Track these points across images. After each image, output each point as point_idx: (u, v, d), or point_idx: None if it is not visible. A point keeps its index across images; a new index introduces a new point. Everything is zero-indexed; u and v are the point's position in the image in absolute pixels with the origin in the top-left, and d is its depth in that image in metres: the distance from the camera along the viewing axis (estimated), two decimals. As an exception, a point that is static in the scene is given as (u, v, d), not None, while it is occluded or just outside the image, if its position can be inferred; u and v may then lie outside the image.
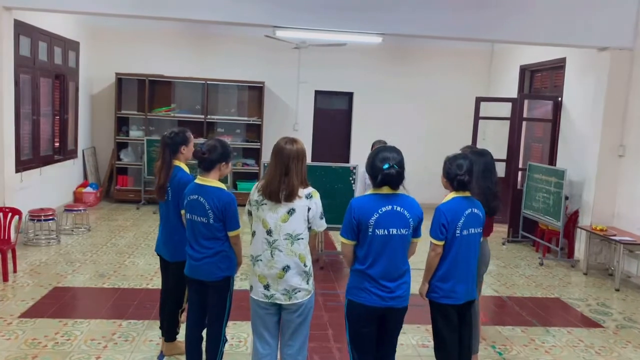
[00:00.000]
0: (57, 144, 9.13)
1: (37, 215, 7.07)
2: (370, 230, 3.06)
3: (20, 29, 7.38)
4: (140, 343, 4.34)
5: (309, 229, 3.14)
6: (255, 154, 10.55)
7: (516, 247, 8.37)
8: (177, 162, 3.97)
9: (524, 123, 9.13)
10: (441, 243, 3.36)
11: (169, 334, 4.12)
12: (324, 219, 3.22)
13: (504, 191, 9.07)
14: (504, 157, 9.92)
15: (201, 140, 4.23)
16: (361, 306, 3.13)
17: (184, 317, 3.97)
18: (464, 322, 3.54)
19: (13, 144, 7.24)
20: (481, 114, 9.48)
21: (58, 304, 5.09)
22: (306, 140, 11.06)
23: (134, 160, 10.43)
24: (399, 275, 3.12)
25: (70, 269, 6.14)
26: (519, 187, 8.86)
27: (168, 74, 10.34)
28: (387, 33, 7.18)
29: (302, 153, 3.17)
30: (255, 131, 10.62)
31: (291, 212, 3.08)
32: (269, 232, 3.11)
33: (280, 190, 3.07)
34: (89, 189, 9.85)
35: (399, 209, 3.09)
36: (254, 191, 3.19)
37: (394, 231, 3.07)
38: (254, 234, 3.19)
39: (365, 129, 11.08)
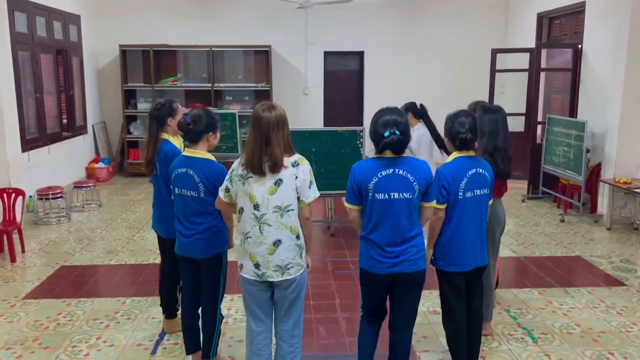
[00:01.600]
0: (64, 121, 9.06)
1: (45, 194, 7.03)
2: (370, 194, 2.91)
3: (14, 4, 7.21)
4: (142, 321, 4.26)
5: (298, 199, 2.93)
6: (266, 120, 10.31)
7: (536, 204, 8.07)
8: (165, 135, 3.80)
9: (543, 74, 8.70)
10: (443, 206, 3.15)
11: (169, 311, 4.03)
12: (314, 188, 2.97)
13: (523, 146, 8.76)
14: (523, 110, 9.57)
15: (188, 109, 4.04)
16: (369, 274, 3.02)
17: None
18: (474, 290, 3.34)
19: (17, 123, 7.17)
20: (498, 67, 9.08)
21: (63, 283, 5.05)
22: (317, 104, 10.85)
23: (144, 133, 10.20)
24: (403, 240, 2.93)
25: (78, 247, 6.10)
26: (538, 141, 8.49)
27: (172, 43, 10.10)
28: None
29: (282, 119, 2.93)
30: (264, 97, 10.32)
31: (278, 182, 2.88)
32: (256, 207, 2.91)
33: (262, 162, 2.86)
34: (101, 164, 9.81)
35: (401, 172, 2.90)
36: (237, 166, 2.96)
37: (396, 195, 2.89)
38: (241, 210, 2.97)
39: (378, 89, 10.75)
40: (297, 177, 2.89)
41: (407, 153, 2.98)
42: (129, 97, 10.26)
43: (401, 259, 2.94)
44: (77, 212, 7.65)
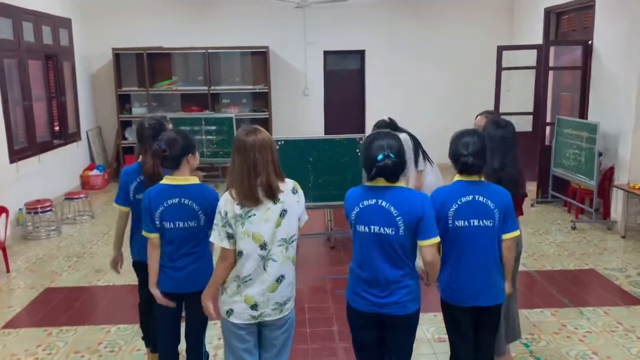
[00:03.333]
0: (56, 128, 8.79)
1: (33, 208, 6.76)
2: (353, 225, 2.67)
3: (-2, 10, 6.92)
4: (126, 354, 3.99)
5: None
6: (264, 124, 9.99)
7: (546, 208, 7.74)
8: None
9: (551, 72, 8.33)
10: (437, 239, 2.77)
11: (154, 344, 3.74)
12: (304, 210, 2.77)
13: (531, 147, 8.41)
14: (531, 110, 9.22)
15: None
16: (353, 310, 2.76)
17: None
18: (482, 331, 3.01)
19: (4, 133, 6.90)
20: (504, 64, 8.71)
21: (46, 309, 4.78)
22: (318, 105, 10.53)
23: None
24: (388, 282, 2.63)
25: (66, 265, 5.83)
26: (547, 143, 8.14)
27: (166, 45, 9.80)
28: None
29: (269, 141, 2.64)
30: (263, 100, 10.05)
31: (283, 214, 2.62)
32: (264, 246, 2.61)
33: (255, 188, 2.57)
34: (95, 172, 9.54)
35: (384, 203, 2.60)
36: (229, 204, 2.60)
37: (376, 229, 2.60)
38: (240, 254, 2.64)
39: (380, 88, 10.44)
40: (298, 204, 2.69)
41: None
42: (124, 101, 9.99)
43: (388, 300, 2.65)
44: (68, 224, 7.39)
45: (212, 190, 3.00)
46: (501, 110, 8.91)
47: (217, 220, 2.64)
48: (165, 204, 2.94)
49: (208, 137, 9.17)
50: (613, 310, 4.53)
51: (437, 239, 2.66)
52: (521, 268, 5.45)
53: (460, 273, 2.87)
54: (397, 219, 2.57)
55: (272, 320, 2.70)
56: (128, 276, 5.41)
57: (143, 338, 3.81)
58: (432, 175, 5.81)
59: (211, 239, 2.68)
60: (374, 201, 2.61)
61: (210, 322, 3.16)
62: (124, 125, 10.03)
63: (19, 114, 7.49)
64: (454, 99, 10.35)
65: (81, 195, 7.65)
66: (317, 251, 6.08)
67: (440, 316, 4.21)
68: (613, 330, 4.21)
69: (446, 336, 3.14)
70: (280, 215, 2.61)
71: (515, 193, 3.37)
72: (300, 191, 2.74)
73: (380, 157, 2.55)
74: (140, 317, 3.81)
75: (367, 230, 2.62)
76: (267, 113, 9.87)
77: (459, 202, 2.83)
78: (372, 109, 10.53)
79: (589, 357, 3.82)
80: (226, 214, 2.60)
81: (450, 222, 2.83)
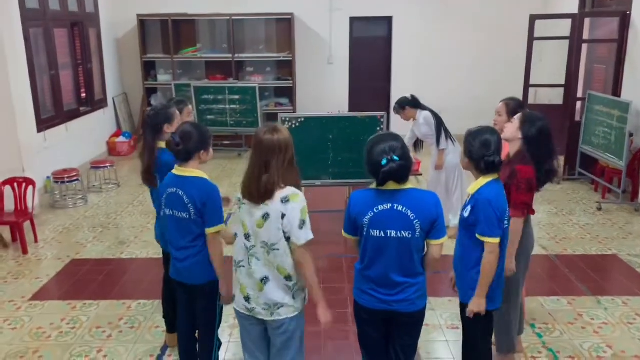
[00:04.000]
0: (83, 95, 8.89)
1: (60, 177, 6.91)
2: (365, 229, 2.63)
3: (23, -21, 6.93)
4: (145, 331, 4.11)
5: (288, 239, 2.63)
6: (289, 92, 9.94)
7: (572, 186, 7.58)
8: (162, 144, 3.52)
9: (585, 44, 8.01)
10: (498, 240, 2.77)
11: (170, 325, 3.85)
12: (306, 229, 2.60)
13: (561, 121, 8.19)
14: (562, 82, 8.93)
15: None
16: (362, 308, 2.78)
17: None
18: None
19: (31, 104, 7.01)
20: (536, 34, 8.40)
21: (71, 281, 4.95)
22: (343, 73, 10.36)
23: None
24: (400, 281, 2.65)
25: (91, 236, 6.00)
26: (577, 118, 7.90)
27: (191, 12, 9.71)
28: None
29: (285, 143, 2.62)
30: (287, 68, 9.95)
31: (265, 217, 2.60)
32: (247, 236, 2.69)
33: (259, 188, 2.59)
34: (121, 139, 9.67)
35: (400, 207, 2.57)
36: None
37: (393, 233, 2.59)
38: (236, 235, 2.76)
39: (408, 57, 10.22)
40: (284, 216, 2.57)
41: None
42: (149, 68, 10.02)
43: (397, 298, 2.67)
44: (95, 192, 7.55)
45: (210, 187, 2.95)
46: (532, 81, 8.68)
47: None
48: (167, 192, 3.02)
49: (231, 106, 9.16)
50: (632, 301, 4.46)
51: (446, 238, 2.68)
52: (542, 252, 5.44)
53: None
54: (415, 222, 2.56)
55: (267, 320, 2.74)
56: (150, 249, 5.59)
57: (163, 317, 3.92)
58: (453, 155, 5.74)
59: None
60: (389, 205, 2.58)
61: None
62: (150, 92, 10.08)
63: (46, 83, 7.59)
64: (484, 69, 10.08)
65: (107, 164, 7.78)
66: (336, 228, 6.08)
67: (455, 301, 4.23)
68: (631, 322, 4.15)
69: (459, 323, 3.15)
70: (262, 217, 2.60)
71: (551, 177, 3.31)
72: (294, 204, 2.58)
73: (384, 162, 2.51)
74: (162, 302, 3.90)
75: (383, 235, 2.59)
76: (292, 81, 9.79)
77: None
78: (398, 78, 10.35)
79: (602, 351, 3.79)
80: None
81: (506, 223, 2.82)
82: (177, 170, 3.02)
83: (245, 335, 2.86)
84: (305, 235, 2.60)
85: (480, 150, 2.80)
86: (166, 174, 3.30)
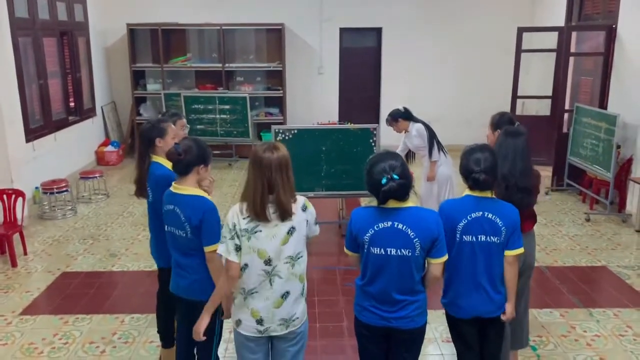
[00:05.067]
0: (72, 104, 8.82)
1: (49, 189, 6.84)
2: (366, 247, 2.65)
3: (13, -11, 6.87)
4: (140, 346, 4.08)
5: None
6: (279, 101, 9.95)
7: (561, 197, 7.67)
8: (155, 158, 3.52)
9: (572, 57, 8.14)
10: (442, 260, 2.76)
11: (165, 340, 3.83)
12: (317, 224, 2.79)
13: (549, 132, 8.31)
14: (549, 92, 9.08)
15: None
16: (363, 324, 2.79)
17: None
18: (486, 340, 3.06)
19: (19, 113, 6.93)
20: (524, 47, 8.53)
21: (62, 295, 4.89)
22: (333, 83, 10.43)
23: (154, 115, 10.02)
24: (401, 299, 2.67)
25: (81, 248, 5.94)
26: (565, 130, 8.01)
27: (181, 21, 9.70)
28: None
29: (285, 161, 2.63)
30: (277, 77, 9.97)
31: (291, 231, 2.62)
32: (268, 262, 2.63)
33: (266, 207, 2.58)
34: (110, 148, 9.61)
35: (400, 226, 2.59)
36: (236, 217, 2.62)
37: (393, 251, 2.60)
38: (244, 267, 2.66)
39: (397, 67, 10.29)
40: (307, 222, 2.69)
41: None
42: (138, 77, 9.98)
43: (397, 315, 2.69)
44: (84, 203, 7.49)
45: (206, 205, 2.91)
46: (520, 93, 8.80)
47: (225, 232, 2.65)
48: (165, 208, 3.02)
49: (222, 115, 9.15)
50: (623, 313, 4.52)
51: (446, 257, 2.71)
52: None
53: (458, 285, 2.90)
54: (414, 240, 2.58)
55: (280, 335, 2.74)
56: (142, 261, 5.55)
57: (158, 332, 3.89)
58: (444, 166, 5.79)
59: (219, 251, 2.68)
60: (389, 223, 2.59)
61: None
62: (139, 101, 10.04)
63: (34, 92, 7.53)
64: (471, 81, 10.19)
65: (96, 175, 7.72)
66: (329, 239, 6.12)
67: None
68: (622, 334, 4.21)
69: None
70: (287, 233, 2.62)
71: (526, 203, 3.34)
72: (311, 208, 2.73)
73: (384, 181, 2.54)
74: (156, 318, 3.88)
75: (383, 253, 2.61)
76: (282, 91, 9.80)
77: (468, 217, 2.83)
78: (388, 88, 10.42)
79: (596, 364, 3.85)
80: (234, 226, 2.61)
81: (457, 236, 2.84)
82: (175, 188, 3.00)
83: (249, 356, 2.81)
84: (317, 229, 2.80)
85: (470, 167, 2.85)
86: (158, 186, 3.30)
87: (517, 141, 3.33)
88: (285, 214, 2.59)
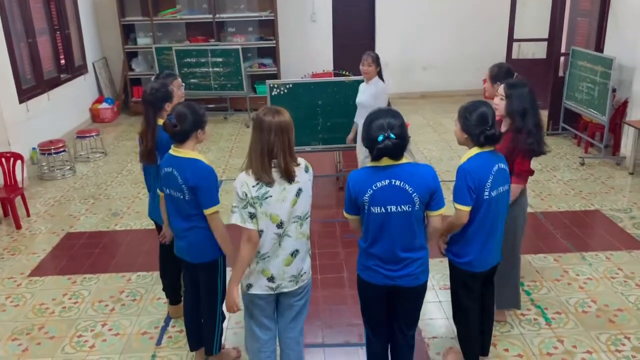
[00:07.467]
0: (62, 62, 8.70)
1: (47, 149, 6.85)
2: (366, 207, 2.70)
3: (-8, -56, 6.65)
4: (147, 303, 4.21)
5: None
6: (272, 52, 9.81)
7: (556, 141, 7.72)
8: (161, 121, 3.52)
9: (569, -2, 8.00)
10: (468, 209, 2.90)
11: (172, 297, 3.96)
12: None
13: (544, 75, 8.27)
14: (545, 35, 8.97)
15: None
16: (367, 284, 2.88)
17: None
18: (487, 289, 3.21)
19: (10, 74, 6.85)
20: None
21: (68, 255, 5.00)
22: (326, 32, 10.24)
23: (147, 70, 9.93)
24: (404, 256, 2.74)
25: (83, 208, 6.01)
26: (560, 74, 7.97)
27: (169, -29, 9.44)
28: None
29: (286, 125, 2.65)
30: (269, 27, 9.77)
31: (299, 193, 2.71)
32: (280, 225, 2.71)
33: (270, 169, 2.64)
34: (104, 105, 9.54)
35: (398, 182, 2.64)
36: (245, 186, 2.65)
37: (393, 208, 2.66)
38: (261, 233, 2.71)
39: (392, 14, 10.08)
40: (310, 182, 2.78)
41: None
42: (128, 31, 9.79)
43: (401, 273, 2.77)
44: (82, 162, 7.52)
45: (203, 168, 2.96)
46: (516, 36, 8.69)
47: (236, 202, 2.69)
48: (163, 171, 3.08)
49: (215, 69, 9.04)
50: (615, 256, 4.66)
51: (445, 208, 2.77)
52: (529, 210, 5.52)
53: (484, 239, 3.00)
54: (413, 195, 2.63)
55: (289, 291, 2.85)
56: (144, 219, 5.64)
57: (163, 289, 4.02)
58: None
59: (233, 221, 2.70)
60: (387, 182, 2.64)
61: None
62: (130, 55, 9.88)
63: (24, 51, 7.41)
64: (469, 24, 10.02)
65: (92, 134, 7.70)
66: (327, 192, 6.18)
67: (445, 261, 4.38)
68: (613, 276, 4.35)
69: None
70: (296, 195, 2.69)
71: (536, 152, 3.36)
72: (311, 169, 2.81)
73: (380, 138, 2.57)
74: (160, 271, 3.99)
75: (383, 211, 2.66)
76: (274, 41, 9.64)
77: (493, 172, 2.91)
78: (383, 35, 10.25)
79: (587, 305, 3.99)
80: (245, 194, 2.65)
81: (486, 194, 2.90)
82: (174, 151, 3.06)
83: (259, 314, 2.91)
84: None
85: (478, 124, 2.87)
86: (167, 150, 3.33)
87: (532, 94, 3.32)
88: (289, 176, 2.65)
